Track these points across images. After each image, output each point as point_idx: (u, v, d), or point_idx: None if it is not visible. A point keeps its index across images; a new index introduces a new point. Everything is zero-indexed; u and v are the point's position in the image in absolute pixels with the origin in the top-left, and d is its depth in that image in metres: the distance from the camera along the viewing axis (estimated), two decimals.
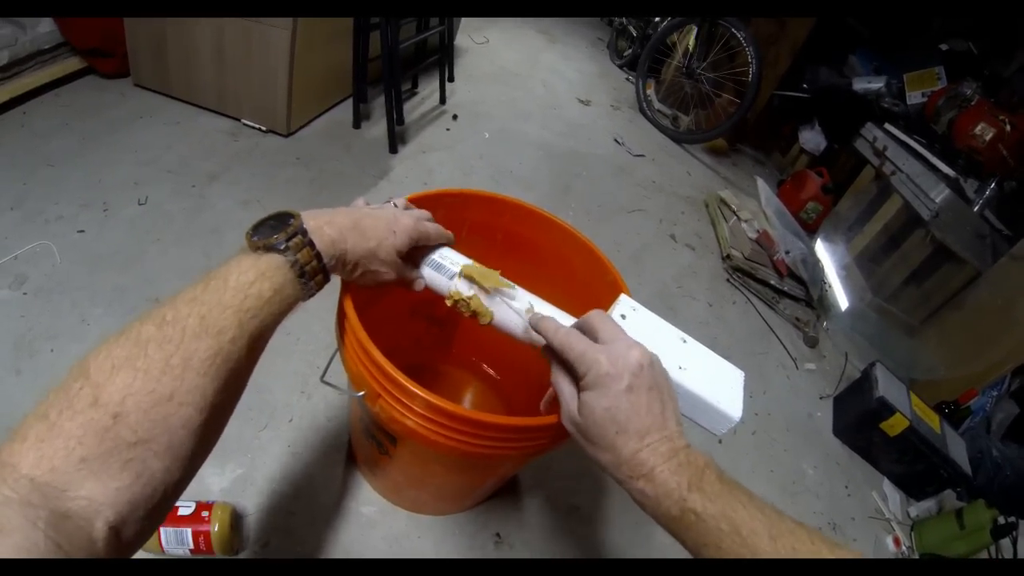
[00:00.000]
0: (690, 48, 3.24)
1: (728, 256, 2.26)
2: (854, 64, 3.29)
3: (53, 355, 1.10)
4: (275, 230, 0.52)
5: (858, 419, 1.67)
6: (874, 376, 1.67)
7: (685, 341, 0.64)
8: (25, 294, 1.19)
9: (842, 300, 2.42)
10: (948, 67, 2.71)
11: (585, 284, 0.93)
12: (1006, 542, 1.38)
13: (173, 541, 0.87)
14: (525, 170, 2.36)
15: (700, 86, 3.24)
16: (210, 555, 0.89)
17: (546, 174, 2.39)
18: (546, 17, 4.60)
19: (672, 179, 2.82)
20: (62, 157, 1.54)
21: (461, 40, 3.32)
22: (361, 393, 0.69)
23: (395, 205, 0.72)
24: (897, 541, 1.48)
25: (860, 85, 3.03)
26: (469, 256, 0.73)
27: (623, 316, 0.64)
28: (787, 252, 2.25)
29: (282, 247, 0.51)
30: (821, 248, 2.74)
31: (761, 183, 2.65)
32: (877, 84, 2.95)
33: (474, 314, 0.68)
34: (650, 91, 3.53)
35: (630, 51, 4.09)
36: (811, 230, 2.88)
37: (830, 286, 2.45)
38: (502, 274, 0.71)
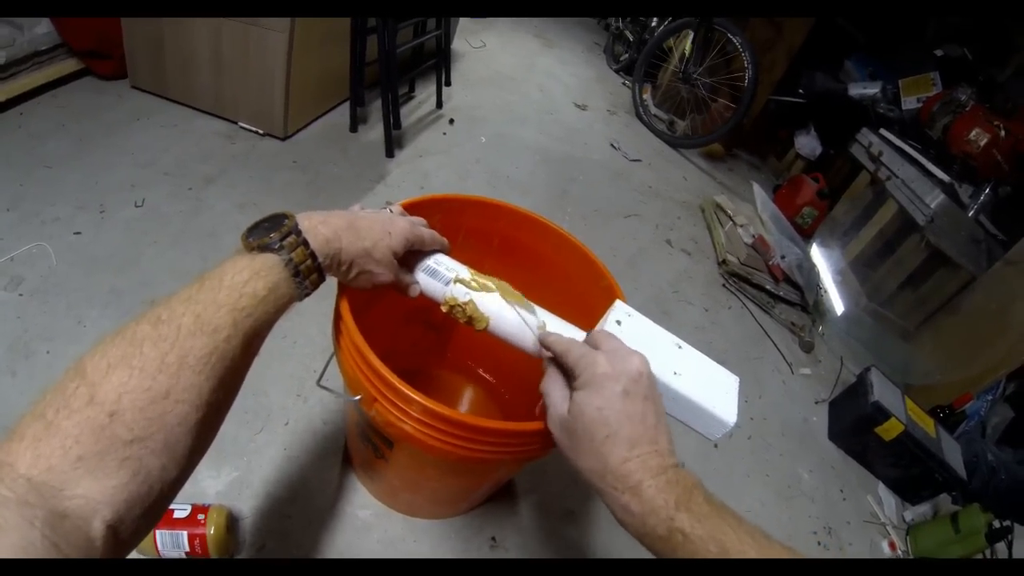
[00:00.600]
0: (686, 53, 3.24)
1: (724, 261, 2.26)
2: (850, 69, 3.30)
3: (49, 357, 1.09)
4: (269, 230, 0.52)
5: (853, 423, 1.67)
6: (869, 381, 1.67)
7: (680, 347, 0.64)
8: (21, 296, 1.18)
9: (838, 305, 2.43)
10: (943, 73, 2.73)
11: (580, 289, 0.94)
12: (1001, 546, 1.38)
13: (169, 544, 0.87)
14: (521, 175, 2.36)
15: (696, 91, 3.25)
16: (206, 558, 0.89)
17: (542, 179, 2.40)
18: (542, 17, 4.61)
19: (668, 184, 2.83)
20: (59, 159, 1.54)
21: (458, 44, 3.33)
22: (357, 397, 0.69)
23: (391, 211, 0.72)
24: (893, 545, 1.48)
25: (856, 90, 3.04)
26: (464, 262, 0.73)
27: (618, 322, 0.64)
28: (783, 257, 2.25)
29: (276, 246, 0.51)
30: (817, 253, 2.74)
31: (757, 188, 2.66)
32: (872, 89, 2.96)
33: (470, 320, 0.68)
34: (646, 96, 3.54)
35: (626, 56, 4.10)
36: (807, 235, 2.89)
37: (826, 291, 2.46)
38: (495, 278, 0.71)
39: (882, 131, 2.71)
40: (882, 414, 1.57)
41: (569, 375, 0.57)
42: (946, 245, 2.15)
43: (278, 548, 0.96)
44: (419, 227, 0.70)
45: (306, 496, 1.04)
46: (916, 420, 1.60)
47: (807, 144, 3.33)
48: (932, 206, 2.20)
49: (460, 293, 0.69)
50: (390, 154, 2.10)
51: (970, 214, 2.20)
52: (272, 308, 0.49)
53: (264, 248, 0.51)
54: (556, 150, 2.68)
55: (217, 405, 0.45)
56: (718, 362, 0.65)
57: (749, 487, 1.44)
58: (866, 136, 2.80)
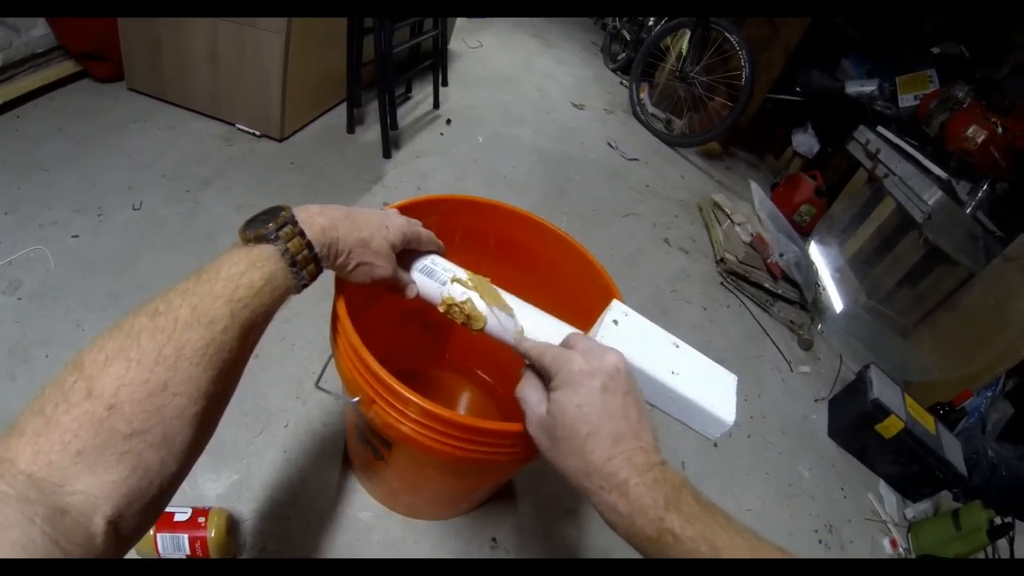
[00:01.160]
0: (683, 52, 3.25)
1: (722, 260, 2.26)
2: (847, 67, 3.31)
3: (48, 361, 1.09)
4: (266, 222, 0.52)
5: (853, 421, 1.67)
6: (868, 378, 1.67)
7: (678, 346, 0.64)
8: (19, 299, 1.18)
9: (836, 302, 2.43)
10: (940, 70, 2.73)
11: (578, 289, 0.94)
12: (1003, 543, 1.38)
13: (170, 547, 0.87)
14: (519, 175, 2.36)
15: (694, 90, 3.25)
16: (207, 559, 0.89)
17: (540, 179, 2.40)
18: (539, 17, 4.61)
19: (666, 183, 2.83)
20: (56, 162, 1.54)
21: (455, 44, 3.33)
22: (356, 399, 0.69)
23: (387, 211, 0.72)
24: (894, 543, 1.48)
25: (853, 88, 3.04)
26: (460, 263, 0.73)
27: (615, 321, 0.64)
28: (781, 255, 2.25)
29: (272, 236, 0.51)
30: (815, 251, 2.74)
31: (755, 186, 2.65)
32: (870, 87, 2.97)
33: (467, 319, 0.68)
34: (644, 95, 3.54)
35: (624, 55, 4.10)
36: (805, 233, 2.89)
37: (824, 289, 2.46)
38: (492, 281, 0.71)
39: (879, 129, 2.72)
40: (882, 411, 1.57)
41: (545, 377, 0.57)
42: (944, 242, 2.15)
43: (278, 550, 0.96)
44: (416, 225, 0.70)
45: (306, 498, 1.04)
46: (916, 417, 1.60)
47: (804, 142, 3.33)
48: (930, 203, 2.20)
49: (457, 292, 0.69)
50: (387, 155, 2.10)
51: (968, 211, 2.20)
52: (269, 299, 0.49)
53: (260, 239, 0.51)
54: (553, 150, 2.68)
55: (215, 397, 0.45)
56: (717, 361, 0.65)
57: (749, 485, 1.44)
58: (863, 134, 2.80)
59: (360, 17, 1.90)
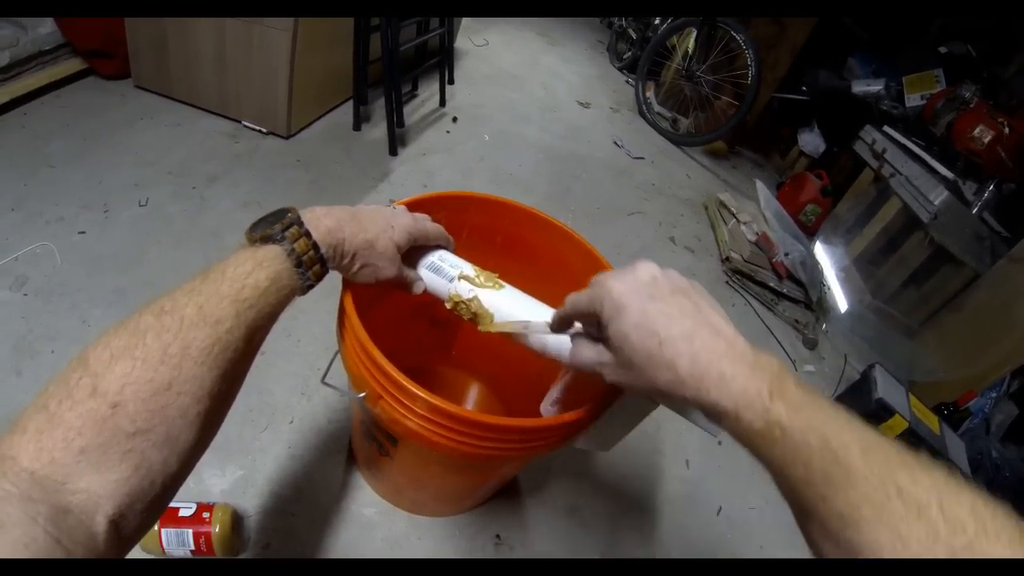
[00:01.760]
0: (689, 51, 3.24)
1: (727, 258, 2.26)
2: (853, 67, 3.29)
3: (54, 356, 1.10)
4: (272, 223, 0.52)
5: None
6: (873, 378, 1.67)
7: None
8: (26, 295, 1.19)
9: (841, 302, 2.43)
10: (947, 70, 2.72)
11: (584, 286, 0.93)
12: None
13: (174, 542, 0.87)
14: (525, 172, 2.36)
15: (699, 89, 3.24)
16: (211, 556, 0.89)
17: (546, 176, 2.40)
18: (546, 17, 4.61)
19: (671, 182, 2.82)
20: (63, 158, 1.54)
21: (461, 42, 3.33)
22: (362, 394, 0.69)
23: (394, 208, 0.72)
24: None
25: (859, 88, 3.03)
26: (469, 258, 0.73)
27: None
28: (786, 254, 2.25)
29: (278, 237, 0.51)
30: (820, 250, 2.74)
31: (760, 185, 2.65)
32: (876, 87, 2.96)
33: (474, 316, 0.68)
34: (649, 94, 3.53)
35: (630, 54, 4.10)
36: (810, 232, 2.88)
37: (829, 288, 2.46)
38: (500, 276, 0.71)
39: (886, 128, 2.71)
40: (886, 411, 1.57)
41: (591, 322, 0.54)
42: (950, 242, 2.14)
43: (283, 546, 0.97)
44: (423, 222, 0.69)
45: (311, 494, 1.05)
46: (920, 417, 1.60)
47: (810, 141, 3.32)
48: (936, 203, 2.19)
49: (464, 290, 0.69)
50: (393, 152, 2.10)
51: (974, 211, 2.19)
52: (274, 299, 0.49)
53: (267, 240, 0.51)
54: (559, 148, 2.68)
55: (220, 397, 0.45)
56: None
57: (754, 484, 1.44)
58: (869, 133, 2.80)
59: (367, 16, 1.91)
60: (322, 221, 0.56)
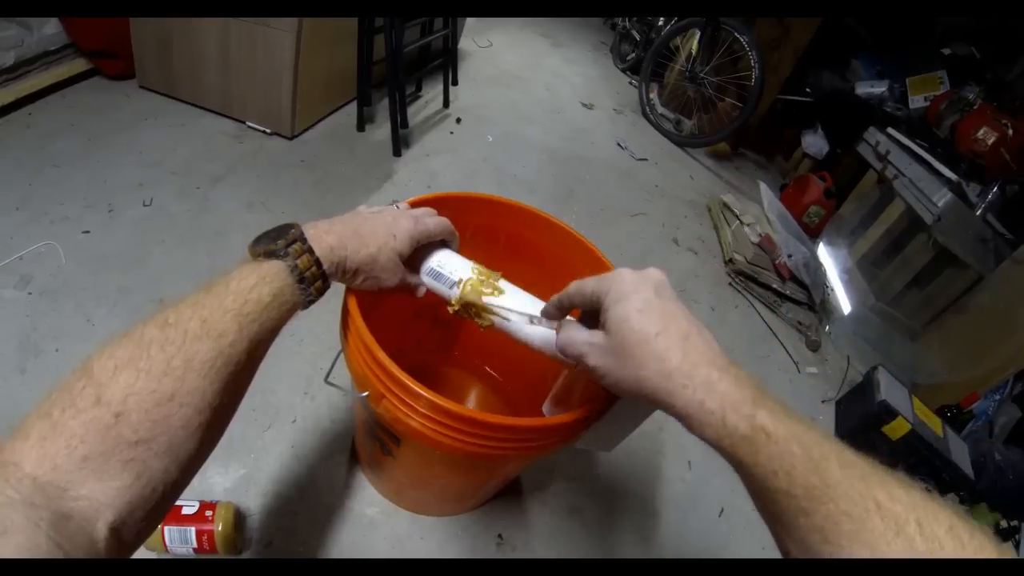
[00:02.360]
0: (693, 52, 3.24)
1: (730, 260, 2.26)
2: (857, 68, 3.29)
3: (58, 355, 1.10)
4: (275, 238, 0.53)
5: (860, 423, 1.66)
6: (876, 380, 1.67)
7: None
8: (30, 294, 1.19)
9: (844, 304, 2.42)
10: (951, 71, 2.72)
11: None
12: (1008, 546, 1.38)
13: (177, 540, 0.88)
14: (528, 173, 2.36)
15: (703, 90, 3.24)
16: (213, 554, 0.89)
17: (549, 178, 2.40)
18: (550, 17, 4.61)
19: (675, 183, 2.82)
20: (67, 158, 1.55)
21: (465, 44, 3.33)
22: (365, 394, 0.69)
23: (397, 207, 0.72)
24: None
25: (863, 89, 3.03)
26: (471, 259, 0.73)
27: None
28: (789, 256, 2.25)
29: (282, 253, 0.52)
30: (823, 252, 2.74)
31: (764, 187, 2.65)
32: (880, 88, 2.95)
33: (479, 313, 0.68)
34: (653, 95, 3.53)
35: (633, 55, 4.10)
36: (813, 234, 2.88)
37: (832, 290, 2.45)
38: (504, 275, 0.71)
39: (889, 130, 2.70)
40: (889, 413, 1.57)
41: (592, 305, 0.55)
42: (954, 244, 2.14)
43: (285, 545, 0.97)
44: (424, 219, 0.69)
45: (313, 493, 1.05)
46: (923, 419, 1.59)
47: (814, 143, 3.31)
48: (940, 205, 2.19)
49: (467, 291, 0.69)
50: (397, 153, 2.11)
51: (978, 213, 2.18)
52: (276, 315, 0.50)
53: (270, 255, 0.52)
54: (563, 149, 2.68)
55: (221, 409, 0.45)
56: None
57: None
58: (873, 135, 2.79)
59: (371, 17, 1.91)
60: (324, 239, 0.57)
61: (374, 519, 1.05)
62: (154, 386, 0.40)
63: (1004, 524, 1.36)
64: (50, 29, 1.71)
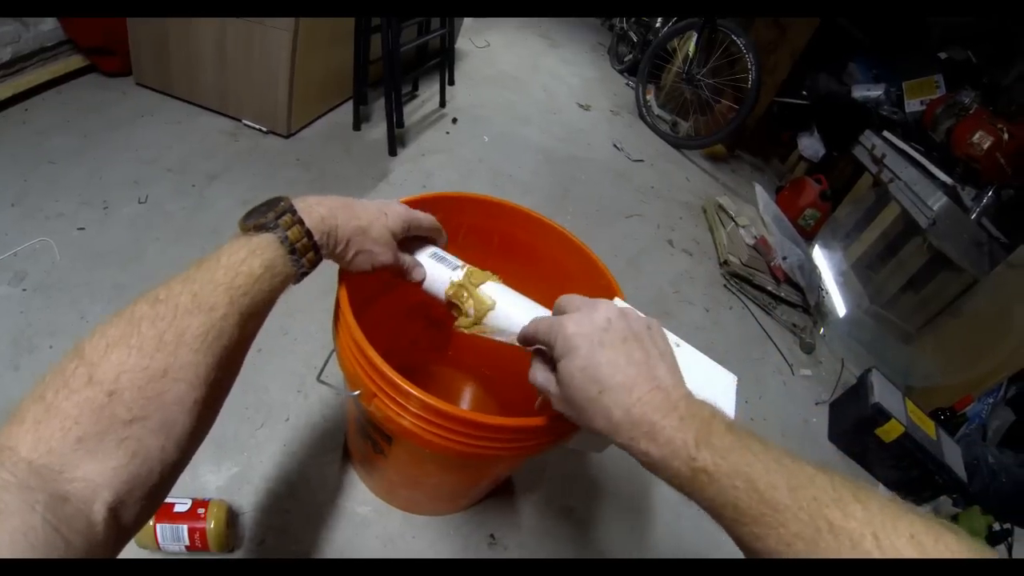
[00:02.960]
0: (690, 54, 3.24)
1: (725, 262, 2.26)
2: (853, 71, 3.30)
3: (52, 351, 1.10)
4: (265, 211, 0.53)
5: (854, 425, 1.67)
6: (870, 382, 1.67)
7: (678, 345, 0.64)
8: (25, 290, 1.19)
9: (839, 306, 2.43)
10: (947, 75, 2.73)
11: (580, 288, 0.93)
12: (1001, 548, 1.38)
13: (169, 537, 0.87)
14: (524, 174, 2.36)
15: (700, 92, 3.24)
16: (206, 552, 0.89)
17: (545, 178, 2.40)
18: (547, 17, 4.61)
19: (670, 185, 2.83)
20: (63, 154, 1.55)
21: (462, 44, 3.33)
22: (357, 392, 0.69)
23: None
24: None
25: (859, 92, 3.04)
26: (464, 259, 0.73)
27: None
28: (784, 258, 2.25)
29: (272, 225, 0.52)
30: (819, 255, 2.74)
31: (759, 189, 2.65)
32: (876, 92, 2.96)
33: (468, 314, 0.69)
34: (650, 96, 3.54)
35: (630, 56, 4.10)
36: (809, 237, 2.89)
37: (827, 292, 2.46)
38: (498, 276, 0.71)
39: (885, 133, 2.71)
40: (883, 416, 1.57)
41: (547, 355, 0.57)
42: (948, 248, 2.14)
43: (277, 543, 0.97)
44: (416, 212, 0.70)
45: (306, 492, 1.05)
46: (917, 422, 1.60)
47: (810, 146, 3.32)
48: (935, 208, 2.20)
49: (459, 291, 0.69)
50: (393, 152, 2.11)
51: (972, 217, 2.20)
52: (268, 286, 0.50)
53: (260, 228, 0.52)
54: (559, 150, 2.68)
55: (215, 384, 0.45)
56: (718, 362, 0.65)
57: None
58: (869, 138, 2.80)
59: (368, 16, 1.91)
60: (315, 209, 0.57)
61: (366, 517, 1.05)
62: (146, 362, 0.40)
63: (997, 527, 1.36)
64: (47, 25, 1.70)
